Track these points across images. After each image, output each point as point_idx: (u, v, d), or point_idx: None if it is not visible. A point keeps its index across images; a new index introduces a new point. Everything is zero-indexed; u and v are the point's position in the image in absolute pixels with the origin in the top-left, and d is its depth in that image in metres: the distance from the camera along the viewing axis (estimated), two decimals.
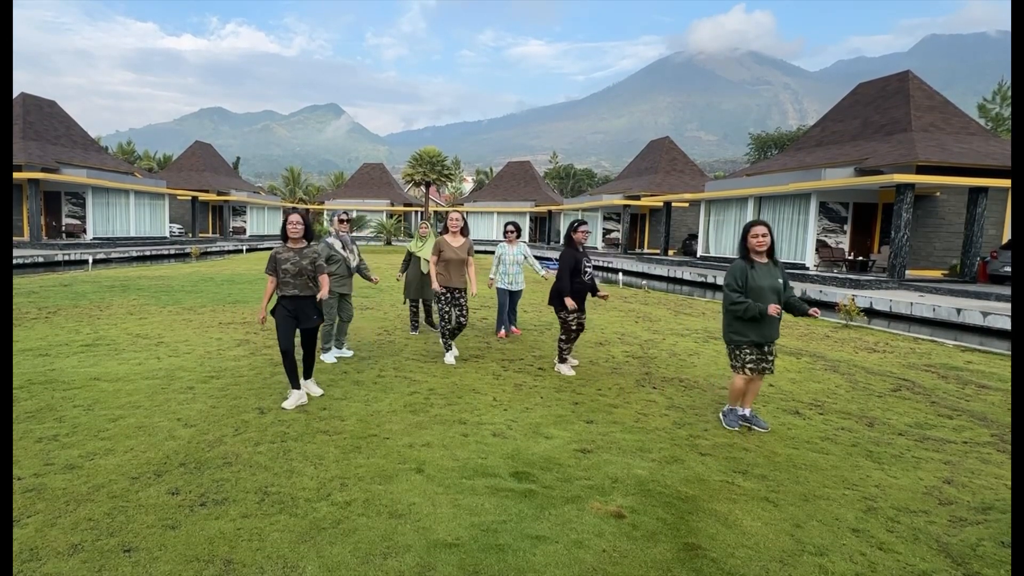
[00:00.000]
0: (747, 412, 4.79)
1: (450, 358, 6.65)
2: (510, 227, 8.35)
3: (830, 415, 5.27)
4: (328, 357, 6.54)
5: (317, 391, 5.26)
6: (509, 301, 8.44)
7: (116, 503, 3.19)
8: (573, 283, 6.19)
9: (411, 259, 8.25)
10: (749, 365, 4.61)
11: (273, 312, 5.00)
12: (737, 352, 4.68)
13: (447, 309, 6.62)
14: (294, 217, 5.01)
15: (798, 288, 17.10)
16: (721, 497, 3.53)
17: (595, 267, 6.71)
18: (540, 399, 5.46)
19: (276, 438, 4.21)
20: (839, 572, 2.79)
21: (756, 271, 4.56)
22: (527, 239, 49.00)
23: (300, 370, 5.17)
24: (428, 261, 7.65)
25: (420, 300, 8.45)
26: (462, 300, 6.56)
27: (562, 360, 6.48)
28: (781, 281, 4.57)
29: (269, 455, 3.91)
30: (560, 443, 4.33)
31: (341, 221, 6.77)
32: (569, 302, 6.10)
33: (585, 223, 6.46)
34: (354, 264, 6.70)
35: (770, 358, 4.67)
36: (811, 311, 4.56)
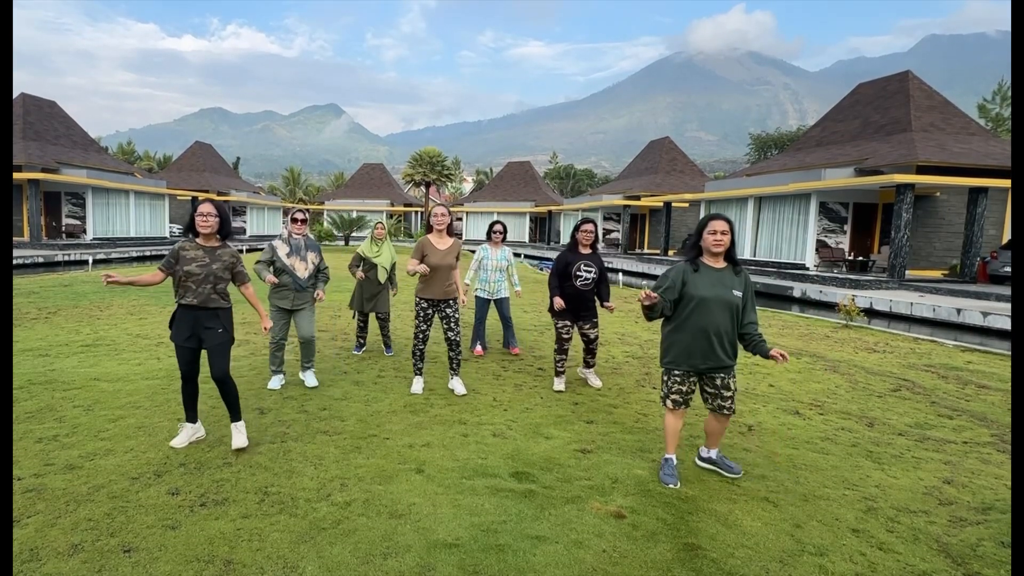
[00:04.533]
0: (712, 453, 3.87)
1: (418, 387, 5.50)
2: (498, 227, 7.27)
3: (830, 415, 5.27)
4: (274, 383, 5.46)
5: (241, 441, 3.95)
6: (500, 313, 7.45)
7: (116, 503, 3.19)
8: (562, 287, 5.63)
9: (362, 264, 6.83)
10: (673, 396, 3.71)
11: (170, 325, 4.00)
12: (666, 378, 3.77)
13: (424, 327, 5.37)
14: (205, 207, 3.90)
15: (797, 288, 17.10)
16: (721, 497, 3.53)
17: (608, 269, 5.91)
18: (540, 399, 5.46)
19: (276, 438, 4.21)
20: (839, 572, 2.79)
21: (700, 276, 3.62)
22: (527, 240, 48.96)
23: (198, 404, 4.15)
24: (386, 270, 6.78)
25: (371, 314, 6.93)
26: (450, 312, 5.35)
27: (556, 373, 5.84)
28: (739, 294, 3.60)
29: (269, 455, 3.91)
30: (560, 443, 4.33)
31: (295, 221, 5.44)
32: (557, 301, 5.58)
33: (590, 222, 5.71)
34: (305, 276, 5.39)
35: (726, 393, 3.66)
36: (773, 353, 3.46)
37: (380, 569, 2.68)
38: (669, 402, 3.75)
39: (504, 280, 7.35)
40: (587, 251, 5.73)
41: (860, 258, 20.93)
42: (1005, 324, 11.57)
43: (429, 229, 5.44)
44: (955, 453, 4.41)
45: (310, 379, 5.62)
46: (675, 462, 3.80)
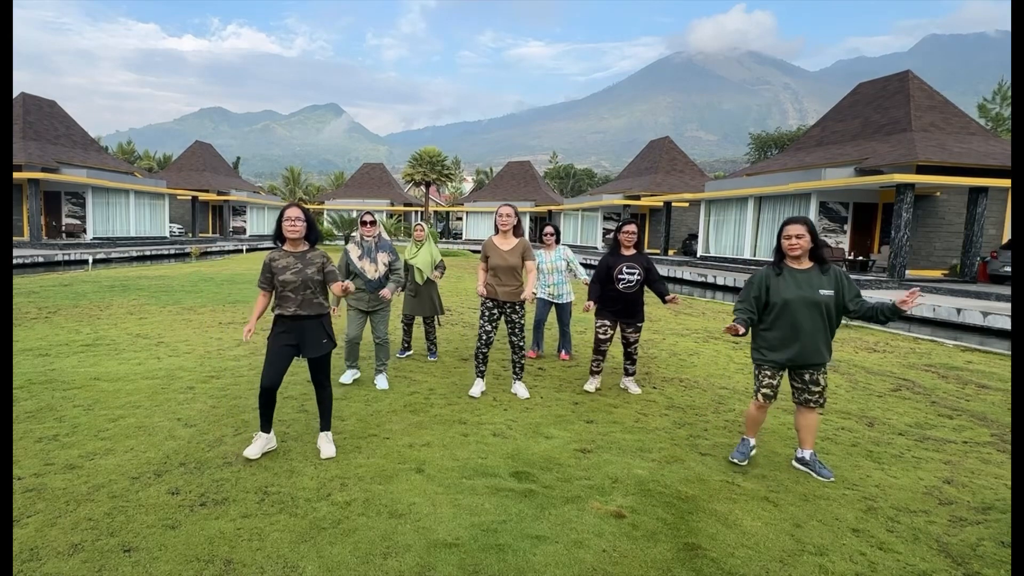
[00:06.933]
0: (805, 454, 3.95)
1: (476, 390, 5.46)
2: (548, 228, 7.16)
3: (830, 415, 5.27)
4: (345, 377, 5.69)
5: (330, 450, 3.94)
6: (559, 318, 7.24)
7: (116, 503, 3.19)
8: (605, 290, 5.52)
9: (409, 269, 6.73)
10: (764, 391, 3.89)
11: (270, 336, 3.91)
12: (757, 372, 3.96)
13: (488, 327, 5.32)
14: (293, 212, 3.82)
15: None
16: (721, 497, 3.53)
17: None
18: (540, 399, 5.46)
19: (276, 438, 4.21)
20: (839, 572, 2.79)
21: (784, 279, 3.74)
22: (526, 239, 48.91)
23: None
24: (422, 271, 6.65)
25: (414, 317, 6.91)
26: (515, 317, 5.29)
27: (591, 372, 5.79)
28: (830, 293, 3.67)
29: (269, 455, 3.91)
30: (560, 443, 4.33)
31: (363, 224, 5.55)
32: (587, 304, 5.55)
33: (632, 223, 5.56)
34: (375, 276, 5.48)
35: (814, 388, 3.82)
36: (901, 302, 3.53)
37: (380, 569, 2.68)
38: (760, 396, 3.91)
39: (565, 282, 7.13)
40: (630, 252, 5.56)
41: (860, 258, 20.93)
42: (1005, 324, 11.57)
43: (496, 230, 5.42)
44: (955, 453, 4.41)
45: (381, 382, 5.64)
46: (752, 443, 4.05)
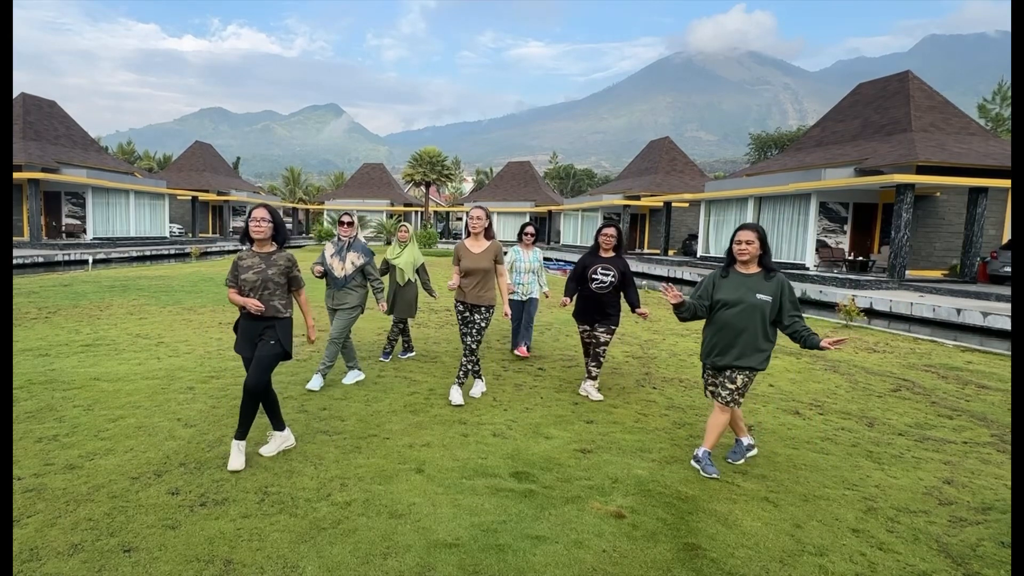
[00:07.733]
0: (699, 451, 3.97)
1: (476, 390, 5.49)
2: (529, 228, 7.25)
3: (830, 415, 5.27)
4: (347, 379, 5.76)
5: (239, 463, 3.70)
6: (525, 313, 7.31)
7: (116, 503, 3.19)
8: (581, 290, 5.57)
9: (391, 269, 6.76)
10: (710, 387, 4.10)
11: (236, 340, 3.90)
12: (703, 372, 4.19)
13: (465, 330, 5.31)
14: (259, 212, 3.79)
15: (798, 288, 17.10)
16: (721, 497, 3.53)
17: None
18: (540, 399, 5.46)
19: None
20: (839, 572, 2.79)
21: (729, 281, 3.92)
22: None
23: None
24: (404, 272, 6.63)
25: (406, 320, 6.89)
26: (477, 317, 5.23)
27: (587, 376, 5.70)
28: (767, 298, 3.78)
29: (269, 455, 3.91)
30: (560, 443, 4.34)
31: (341, 224, 5.73)
32: (563, 300, 5.61)
33: (612, 226, 5.57)
34: (341, 274, 5.59)
35: (728, 385, 3.87)
36: (824, 344, 3.66)
37: (380, 569, 2.68)
38: (707, 393, 4.12)
39: (535, 282, 7.35)
40: (609, 254, 5.55)
41: (860, 258, 20.92)
42: (1005, 324, 11.57)
43: (467, 232, 5.36)
44: (955, 453, 4.41)
45: (314, 382, 5.55)
46: (747, 443, 4.17)
